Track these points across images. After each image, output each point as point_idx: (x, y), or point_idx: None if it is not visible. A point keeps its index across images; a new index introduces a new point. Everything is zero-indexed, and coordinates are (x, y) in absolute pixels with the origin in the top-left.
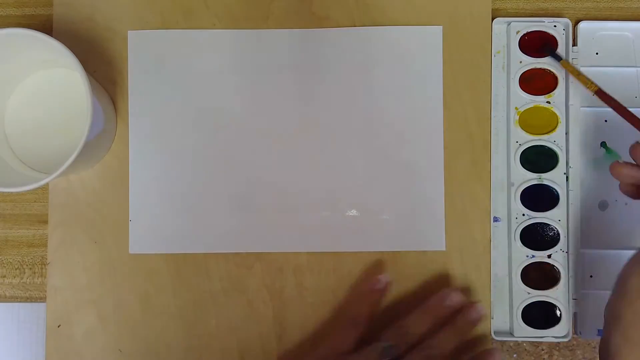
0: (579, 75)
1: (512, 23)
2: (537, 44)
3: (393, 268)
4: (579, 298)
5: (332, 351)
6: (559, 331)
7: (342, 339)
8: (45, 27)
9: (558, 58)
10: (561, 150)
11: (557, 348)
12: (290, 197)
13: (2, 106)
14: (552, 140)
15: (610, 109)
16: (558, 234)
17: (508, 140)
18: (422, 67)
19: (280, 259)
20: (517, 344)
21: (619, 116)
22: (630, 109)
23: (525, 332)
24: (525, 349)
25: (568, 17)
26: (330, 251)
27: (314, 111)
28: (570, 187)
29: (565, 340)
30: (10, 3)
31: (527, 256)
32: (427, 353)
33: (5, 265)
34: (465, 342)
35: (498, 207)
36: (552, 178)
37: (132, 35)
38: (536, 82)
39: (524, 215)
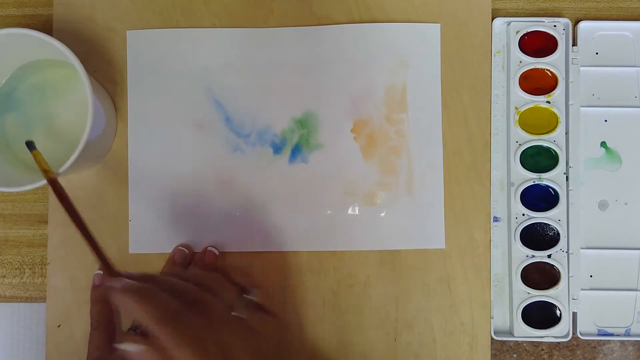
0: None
1: (512, 23)
2: (537, 44)
3: (393, 267)
4: (579, 298)
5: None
6: (559, 331)
7: (93, 344)
8: (45, 27)
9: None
10: (561, 150)
11: (557, 348)
12: (291, 196)
13: (2, 106)
14: (552, 140)
15: (610, 109)
16: (558, 234)
17: (508, 140)
18: (420, 65)
19: (280, 259)
20: (517, 343)
21: (619, 116)
22: (630, 108)
23: (525, 332)
24: (525, 349)
25: (568, 17)
26: (330, 250)
27: (313, 108)
28: (570, 187)
29: (566, 340)
30: (10, 3)
31: (527, 256)
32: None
33: (5, 265)
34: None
35: (498, 207)
36: (552, 178)
37: (130, 35)
38: (536, 82)
39: (523, 215)
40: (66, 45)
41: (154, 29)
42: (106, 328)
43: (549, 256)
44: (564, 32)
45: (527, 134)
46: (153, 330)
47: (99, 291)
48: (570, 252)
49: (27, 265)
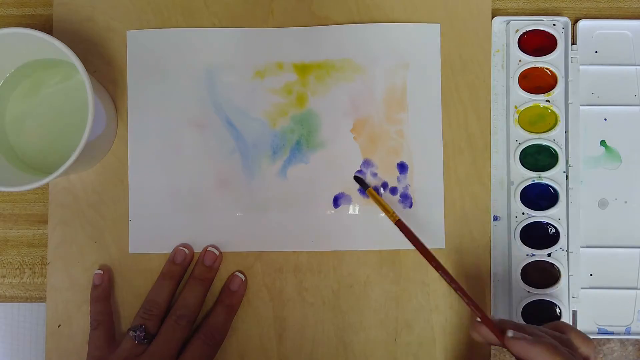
0: (381, 204)
1: (511, 22)
2: (536, 42)
3: (393, 267)
4: (579, 296)
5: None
6: None
7: (93, 344)
8: (45, 27)
9: (365, 186)
10: (561, 148)
11: None
12: (291, 196)
13: (2, 105)
14: (552, 139)
15: (610, 107)
16: (558, 233)
17: (507, 139)
18: (420, 65)
19: (280, 259)
20: None
21: (618, 114)
22: (629, 107)
23: None
24: None
25: (567, 17)
26: (330, 250)
27: (313, 108)
28: (569, 186)
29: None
30: (10, 3)
31: (527, 255)
32: (178, 314)
33: (5, 265)
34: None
35: (498, 206)
36: (552, 177)
37: (130, 35)
38: (535, 81)
39: (523, 214)
40: (66, 45)
41: (154, 29)
42: (106, 328)
43: (549, 255)
44: (563, 30)
45: (527, 132)
46: None
47: (99, 291)
48: (570, 250)
49: (27, 265)
